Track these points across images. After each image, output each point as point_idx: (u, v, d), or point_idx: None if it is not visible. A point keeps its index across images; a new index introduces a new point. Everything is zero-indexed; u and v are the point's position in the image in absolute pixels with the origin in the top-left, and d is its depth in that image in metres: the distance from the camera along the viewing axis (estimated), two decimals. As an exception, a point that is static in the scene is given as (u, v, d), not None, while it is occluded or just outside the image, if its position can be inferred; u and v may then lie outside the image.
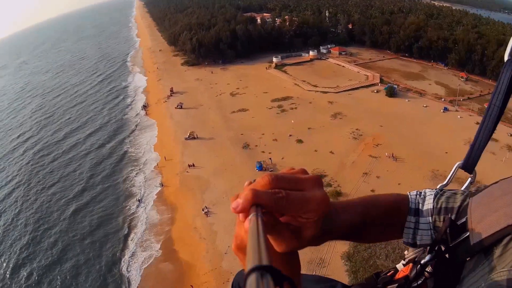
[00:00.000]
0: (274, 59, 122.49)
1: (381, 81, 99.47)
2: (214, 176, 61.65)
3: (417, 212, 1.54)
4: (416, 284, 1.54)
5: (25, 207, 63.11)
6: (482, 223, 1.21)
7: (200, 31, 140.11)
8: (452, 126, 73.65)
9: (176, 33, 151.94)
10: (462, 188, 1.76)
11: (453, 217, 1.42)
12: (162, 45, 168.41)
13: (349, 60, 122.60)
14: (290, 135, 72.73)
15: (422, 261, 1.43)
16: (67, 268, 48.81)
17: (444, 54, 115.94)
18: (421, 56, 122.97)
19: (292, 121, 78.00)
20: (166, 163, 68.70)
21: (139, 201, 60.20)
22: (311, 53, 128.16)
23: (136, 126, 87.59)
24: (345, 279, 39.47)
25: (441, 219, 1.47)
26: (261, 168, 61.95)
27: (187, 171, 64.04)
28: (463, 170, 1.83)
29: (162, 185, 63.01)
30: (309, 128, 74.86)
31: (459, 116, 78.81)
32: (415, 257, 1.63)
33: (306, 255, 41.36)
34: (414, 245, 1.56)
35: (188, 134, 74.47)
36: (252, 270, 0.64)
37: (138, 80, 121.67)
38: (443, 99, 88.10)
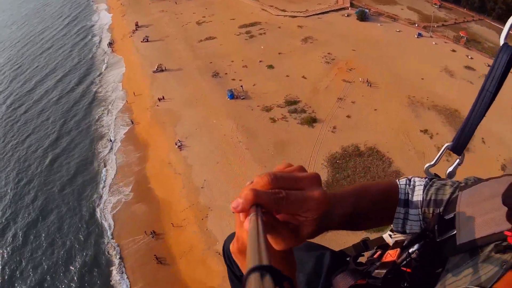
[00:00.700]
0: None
1: (352, 5, 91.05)
2: (185, 108, 57.25)
3: (407, 203, 1.55)
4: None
5: (2, 165, 58.38)
6: (469, 225, 1.22)
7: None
8: (427, 53, 69.44)
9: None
10: (450, 169, 1.72)
11: (441, 209, 1.43)
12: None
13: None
14: (260, 61, 67.69)
15: (410, 250, 1.35)
16: (48, 223, 46.07)
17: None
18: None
19: (262, 47, 72.51)
20: (135, 98, 63.74)
21: (110, 141, 56.54)
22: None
23: (103, 64, 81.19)
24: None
25: (430, 211, 1.48)
26: (232, 96, 57.77)
27: (157, 105, 59.30)
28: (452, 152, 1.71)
29: (133, 123, 58.66)
30: (279, 53, 69.64)
31: (434, 43, 74.23)
32: (403, 241, 1.52)
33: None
34: (403, 232, 1.58)
35: (156, 67, 68.49)
36: (252, 270, 0.63)
37: (103, 18, 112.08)
38: (416, 25, 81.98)
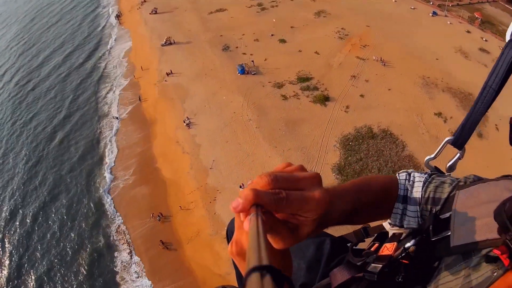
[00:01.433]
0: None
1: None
2: (194, 83, 53.67)
3: (405, 199, 1.55)
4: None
5: (10, 146, 55.02)
6: (463, 228, 1.21)
7: None
8: (442, 32, 64.78)
9: None
10: (450, 163, 1.71)
11: (438, 208, 1.42)
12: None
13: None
14: (272, 35, 63.49)
15: (406, 245, 1.35)
16: (55, 205, 43.66)
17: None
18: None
19: (274, 20, 67.96)
20: (142, 73, 59.90)
21: (116, 118, 53.53)
22: None
23: (110, 38, 76.75)
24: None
25: (428, 208, 1.48)
26: (243, 71, 54.10)
27: (165, 80, 55.53)
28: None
29: (140, 100, 55.30)
30: (291, 27, 65.28)
31: (448, 22, 69.27)
32: (400, 234, 1.53)
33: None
34: (401, 227, 1.58)
35: (165, 40, 64.33)
36: (253, 269, 0.63)
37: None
38: (431, 3, 76.77)
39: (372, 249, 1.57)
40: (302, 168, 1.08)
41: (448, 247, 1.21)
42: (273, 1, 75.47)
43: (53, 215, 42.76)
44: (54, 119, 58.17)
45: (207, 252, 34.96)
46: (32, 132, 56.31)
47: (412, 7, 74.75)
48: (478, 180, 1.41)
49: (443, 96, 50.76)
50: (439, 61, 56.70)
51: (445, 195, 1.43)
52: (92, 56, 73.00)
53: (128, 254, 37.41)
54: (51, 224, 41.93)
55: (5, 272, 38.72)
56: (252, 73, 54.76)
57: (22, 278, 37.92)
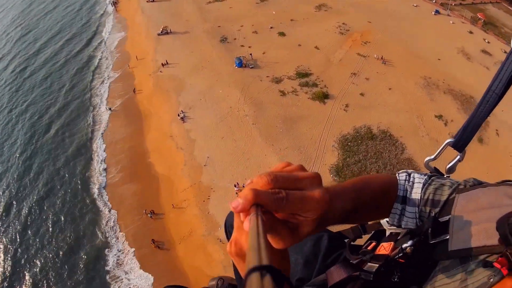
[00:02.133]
0: None
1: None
2: (190, 75, 51.06)
3: (404, 200, 1.51)
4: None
5: (5, 136, 52.06)
6: (462, 233, 1.20)
7: None
8: (444, 31, 62.97)
9: None
10: (450, 164, 1.72)
11: (437, 210, 1.41)
12: None
13: None
14: (271, 27, 60.98)
15: (403, 245, 1.34)
16: (45, 199, 41.44)
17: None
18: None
19: (273, 12, 65.44)
20: (137, 63, 56.98)
21: (110, 110, 50.86)
22: None
23: (105, 26, 73.64)
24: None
25: (427, 210, 1.45)
26: (241, 64, 51.58)
27: (160, 71, 52.80)
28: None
29: (134, 91, 52.52)
30: (291, 20, 62.77)
31: (451, 22, 67.55)
32: (398, 234, 1.52)
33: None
34: (399, 226, 1.56)
35: (161, 29, 61.46)
36: (253, 269, 0.62)
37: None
38: (434, 1, 75.02)
39: (369, 247, 1.55)
40: (302, 168, 1.06)
41: (446, 251, 1.20)
42: (272, -8, 72.80)
43: (44, 210, 40.38)
44: (49, 108, 55.34)
45: (200, 253, 32.95)
46: (28, 122, 53.47)
47: (415, 5, 72.63)
48: (478, 184, 1.38)
49: (444, 98, 48.94)
50: (441, 61, 54.91)
51: (444, 198, 1.39)
52: (85, 44, 69.77)
53: (120, 251, 35.29)
54: (43, 219, 39.59)
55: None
56: (250, 66, 52.35)
57: (13, 274, 35.87)
